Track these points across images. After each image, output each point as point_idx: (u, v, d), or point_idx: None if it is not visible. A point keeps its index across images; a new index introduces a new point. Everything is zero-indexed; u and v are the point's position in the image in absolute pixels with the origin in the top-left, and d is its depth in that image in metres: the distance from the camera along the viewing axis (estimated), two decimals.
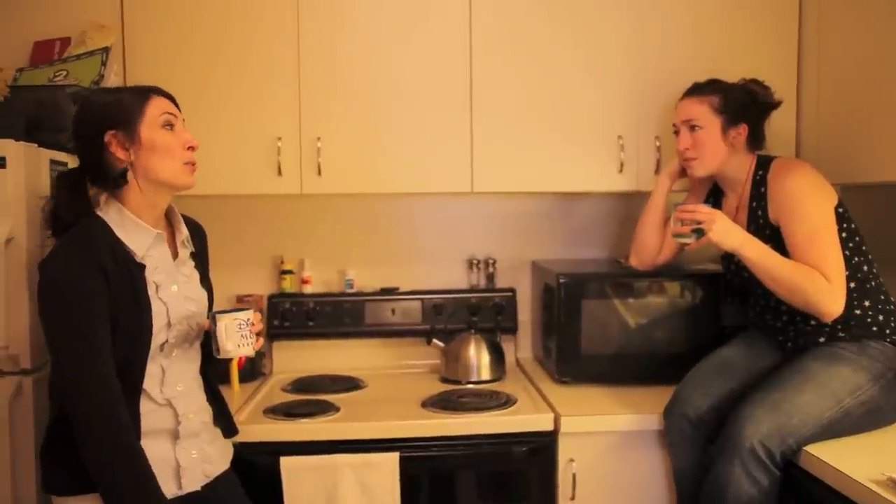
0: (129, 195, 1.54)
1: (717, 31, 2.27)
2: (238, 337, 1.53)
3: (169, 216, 1.65)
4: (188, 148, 1.56)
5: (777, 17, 2.29)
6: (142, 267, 1.51)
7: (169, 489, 1.54)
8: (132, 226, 1.52)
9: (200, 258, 1.71)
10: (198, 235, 1.72)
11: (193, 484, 1.59)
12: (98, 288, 1.43)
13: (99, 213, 1.53)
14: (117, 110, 1.50)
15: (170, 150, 1.53)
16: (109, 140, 1.50)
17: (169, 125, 1.54)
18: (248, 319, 1.55)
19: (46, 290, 1.43)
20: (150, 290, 1.51)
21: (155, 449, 1.53)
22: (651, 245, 2.19)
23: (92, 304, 1.43)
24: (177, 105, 1.60)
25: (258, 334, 1.59)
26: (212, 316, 1.55)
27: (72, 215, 1.52)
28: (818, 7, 2.21)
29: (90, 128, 1.51)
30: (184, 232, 1.64)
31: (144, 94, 1.54)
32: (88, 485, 1.46)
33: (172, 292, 1.55)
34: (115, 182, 1.51)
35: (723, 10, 2.28)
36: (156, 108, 1.53)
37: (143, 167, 1.51)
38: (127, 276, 1.48)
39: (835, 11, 2.14)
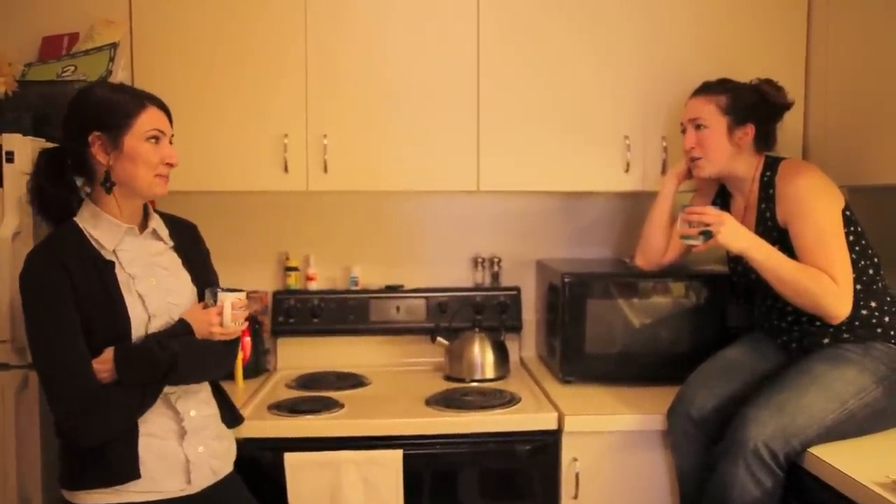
0: (104, 197, 1.56)
1: (726, 32, 2.27)
2: (230, 316, 1.60)
3: (146, 213, 1.66)
4: (166, 163, 1.58)
5: (786, 17, 2.28)
6: (111, 264, 1.53)
7: (178, 485, 1.56)
8: (104, 222, 1.55)
9: (190, 254, 1.70)
10: (186, 232, 1.73)
11: (202, 480, 1.59)
12: (58, 283, 1.47)
13: (75, 218, 1.56)
14: (109, 114, 1.52)
15: (147, 162, 1.54)
16: (93, 140, 1.52)
17: (154, 139, 1.55)
18: (243, 299, 1.64)
19: (20, 293, 1.49)
20: (124, 284, 1.53)
21: (162, 448, 1.54)
22: (657, 245, 2.18)
23: (53, 300, 1.47)
24: (170, 118, 1.61)
25: (246, 319, 1.66)
26: (212, 292, 1.60)
27: (55, 190, 1.55)
28: (827, 7, 2.20)
29: (78, 122, 1.53)
30: (152, 225, 1.64)
31: (140, 102, 1.55)
32: (87, 482, 1.50)
33: (150, 285, 1.57)
34: (105, 187, 1.54)
35: (731, 10, 2.27)
36: (146, 122, 1.54)
37: (120, 173, 1.54)
38: (94, 276, 1.51)
39: (844, 12, 2.14)
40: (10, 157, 1.78)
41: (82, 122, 1.52)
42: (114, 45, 2.15)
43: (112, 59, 2.14)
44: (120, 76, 2.13)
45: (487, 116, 2.26)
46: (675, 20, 2.27)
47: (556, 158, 2.28)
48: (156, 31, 2.20)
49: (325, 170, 2.23)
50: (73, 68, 2.12)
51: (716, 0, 2.27)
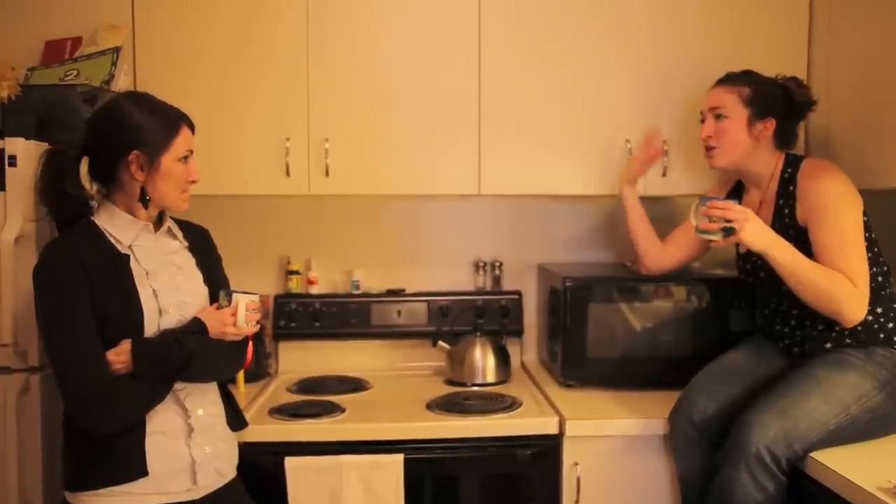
0: (123, 200, 1.59)
1: (727, 35, 2.27)
2: (244, 317, 1.63)
3: (160, 213, 1.68)
4: (190, 181, 1.63)
5: (787, 17, 2.28)
6: (125, 257, 1.56)
7: (183, 485, 1.56)
8: (120, 219, 1.58)
9: (204, 256, 1.72)
10: (199, 236, 1.76)
11: (207, 481, 1.60)
12: (74, 276, 1.49)
13: (92, 217, 1.59)
14: (150, 135, 1.55)
15: (178, 180, 1.60)
16: (133, 159, 1.55)
17: (185, 159, 1.61)
18: (256, 301, 1.67)
19: (33, 286, 1.51)
20: (138, 278, 1.55)
21: (168, 447, 1.55)
22: (648, 249, 2.20)
23: (69, 291, 1.48)
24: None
25: (257, 321, 1.68)
26: (226, 293, 1.63)
27: (75, 192, 1.58)
28: (829, 6, 2.20)
29: (118, 140, 1.55)
30: (166, 224, 1.67)
31: (176, 124, 1.59)
32: (93, 481, 1.49)
33: (164, 281, 1.59)
34: (143, 203, 1.58)
35: (732, 11, 2.27)
36: (182, 144, 1.59)
37: (151, 190, 1.58)
38: (111, 268, 1.53)
39: (846, 11, 2.13)
40: (12, 161, 1.78)
41: (123, 140, 1.54)
42: (116, 50, 2.16)
43: (115, 64, 2.14)
44: (122, 80, 2.14)
45: (489, 120, 2.27)
46: (675, 22, 2.27)
47: (557, 162, 2.28)
48: (158, 35, 2.21)
49: (327, 173, 2.24)
50: (75, 72, 2.13)
51: (717, 2, 2.27)
